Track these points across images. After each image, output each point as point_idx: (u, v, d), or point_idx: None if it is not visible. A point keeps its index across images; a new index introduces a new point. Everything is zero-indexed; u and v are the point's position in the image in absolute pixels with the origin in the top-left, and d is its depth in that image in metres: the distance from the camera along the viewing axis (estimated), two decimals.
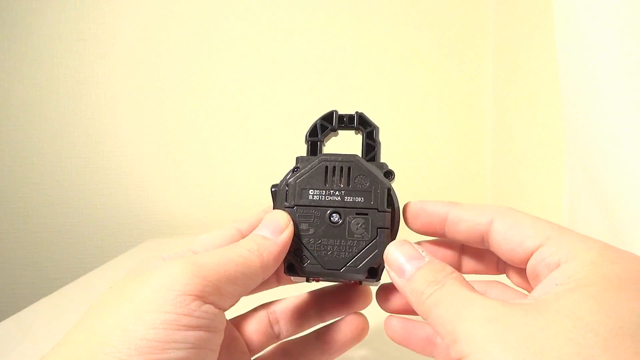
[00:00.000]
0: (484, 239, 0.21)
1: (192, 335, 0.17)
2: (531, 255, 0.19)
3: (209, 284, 0.18)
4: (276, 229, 0.22)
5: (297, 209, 0.23)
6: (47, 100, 0.79)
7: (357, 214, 0.22)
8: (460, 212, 0.21)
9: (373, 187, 0.23)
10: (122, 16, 0.78)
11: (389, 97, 0.80)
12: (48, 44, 0.78)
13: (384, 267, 0.21)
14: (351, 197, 0.23)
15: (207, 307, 0.17)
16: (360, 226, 0.22)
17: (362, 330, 0.25)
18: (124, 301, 0.17)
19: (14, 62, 0.78)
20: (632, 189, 0.42)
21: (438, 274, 0.18)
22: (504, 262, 0.22)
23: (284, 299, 0.27)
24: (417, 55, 0.79)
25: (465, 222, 0.21)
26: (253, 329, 0.25)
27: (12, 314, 0.44)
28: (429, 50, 0.79)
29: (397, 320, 0.23)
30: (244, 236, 0.23)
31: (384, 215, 0.22)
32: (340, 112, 0.26)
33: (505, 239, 0.20)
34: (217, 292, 0.18)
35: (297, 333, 0.26)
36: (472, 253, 0.24)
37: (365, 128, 0.26)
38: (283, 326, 0.26)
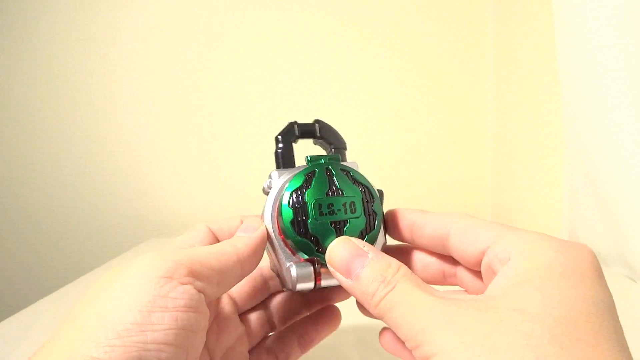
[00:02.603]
0: (444, 244, 0.22)
1: (168, 316, 0.16)
2: (484, 253, 0.19)
3: (180, 266, 0.18)
4: (249, 228, 0.23)
5: None
6: (47, 100, 0.79)
7: None
8: (425, 218, 0.22)
9: None
10: (122, 16, 0.78)
11: (389, 98, 0.80)
12: (48, 44, 0.78)
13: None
14: None
15: (183, 287, 0.17)
16: None
17: (334, 321, 0.27)
18: (101, 292, 0.17)
19: (14, 62, 0.78)
20: (632, 189, 0.42)
21: (386, 272, 0.19)
22: (451, 272, 0.23)
23: (275, 294, 0.28)
24: (417, 56, 0.79)
25: (428, 227, 0.22)
26: (255, 324, 0.27)
27: (12, 314, 0.44)
28: (428, 50, 0.79)
29: (391, 333, 0.23)
30: (215, 235, 0.24)
31: None
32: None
33: (460, 240, 0.21)
34: (190, 274, 0.18)
35: (288, 324, 0.28)
36: (420, 263, 0.25)
37: None
38: (276, 319, 0.27)
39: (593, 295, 0.16)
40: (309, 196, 0.22)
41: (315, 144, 0.28)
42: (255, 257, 0.22)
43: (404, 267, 0.19)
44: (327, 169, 0.23)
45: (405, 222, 0.23)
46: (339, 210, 0.22)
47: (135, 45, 0.79)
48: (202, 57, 0.79)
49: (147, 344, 0.16)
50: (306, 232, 0.22)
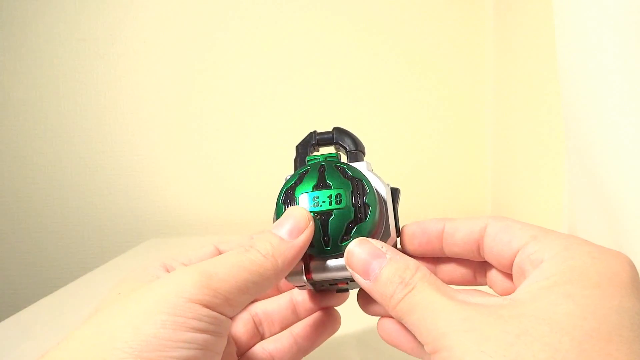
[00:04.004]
0: (479, 248, 0.21)
1: (200, 337, 0.17)
2: (517, 253, 0.19)
3: (218, 296, 0.18)
4: (294, 230, 0.21)
5: None
6: (47, 100, 0.79)
7: None
8: (455, 223, 0.22)
9: None
10: (122, 16, 0.78)
11: (389, 97, 0.80)
12: (48, 44, 0.78)
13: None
14: None
15: (215, 314, 0.18)
16: None
17: (334, 324, 0.26)
18: (133, 303, 0.17)
19: (14, 62, 0.78)
20: (633, 188, 0.42)
21: (404, 273, 0.18)
22: (482, 274, 0.23)
23: (262, 300, 0.27)
24: (416, 54, 0.79)
25: (461, 232, 0.21)
26: (241, 331, 0.26)
27: (12, 314, 0.44)
28: (428, 49, 0.79)
29: (388, 322, 0.23)
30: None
31: None
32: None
33: (495, 240, 0.20)
34: (226, 303, 0.18)
35: (280, 332, 0.27)
36: (449, 264, 0.24)
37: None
38: (266, 327, 0.26)
39: (629, 307, 0.15)
40: (297, 191, 0.23)
41: (336, 150, 0.28)
42: (290, 269, 0.21)
43: (422, 268, 0.19)
44: (321, 166, 0.24)
45: (432, 233, 0.22)
46: (323, 202, 0.22)
47: (136, 45, 0.79)
48: (202, 56, 0.79)
49: (179, 359, 0.16)
50: None
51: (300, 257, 0.21)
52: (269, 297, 0.27)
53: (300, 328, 0.26)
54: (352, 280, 0.23)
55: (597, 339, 0.14)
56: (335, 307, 0.27)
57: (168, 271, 0.21)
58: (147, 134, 0.81)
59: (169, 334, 0.16)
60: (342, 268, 0.22)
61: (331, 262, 0.22)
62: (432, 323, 0.16)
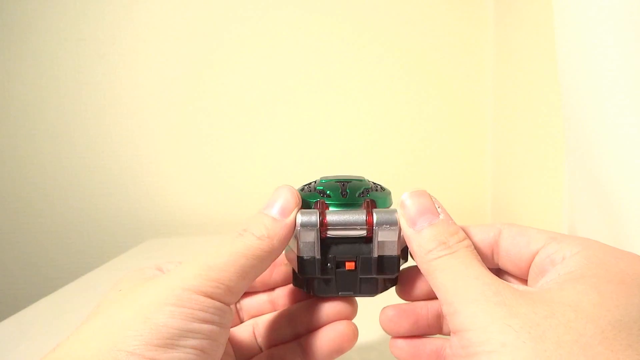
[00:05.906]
0: (493, 253, 0.21)
1: (206, 327, 0.18)
2: (537, 254, 0.19)
3: (220, 286, 0.18)
4: (285, 208, 0.21)
5: None
6: (47, 100, 0.79)
7: None
8: (469, 230, 0.22)
9: None
10: (122, 16, 0.78)
11: (389, 98, 0.80)
12: (48, 44, 0.78)
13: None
14: None
15: (219, 304, 0.18)
16: None
17: (347, 339, 0.23)
18: (140, 296, 0.18)
19: (14, 62, 0.78)
20: (633, 189, 0.42)
21: (450, 237, 0.19)
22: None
23: (264, 314, 0.27)
24: (417, 55, 0.79)
25: (475, 238, 0.22)
26: (241, 338, 0.26)
27: (12, 314, 0.44)
28: (428, 50, 0.79)
29: (403, 340, 0.23)
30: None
31: None
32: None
33: (513, 244, 0.20)
34: (228, 292, 0.19)
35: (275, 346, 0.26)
36: None
37: None
38: (262, 341, 0.26)
39: None
40: (320, 181, 0.25)
41: None
42: (284, 247, 0.21)
43: (469, 241, 0.19)
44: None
45: None
46: (343, 178, 0.25)
47: (136, 45, 0.79)
48: (202, 56, 0.79)
49: (187, 348, 0.17)
50: (314, 190, 0.24)
51: (292, 234, 0.21)
52: (268, 312, 0.26)
53: (308, 342, 0.24)
54: (362, 252, 0.22)
55: (619, 330, 0.14)
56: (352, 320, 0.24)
57: (163, 272, 0.22)
58: (147, 134, 0.81)
59: (178, 323, 0.17)
60: (359, 223, 0.21)
61: (347, 216, 0.21)
62: (463, 286, 0.17)
